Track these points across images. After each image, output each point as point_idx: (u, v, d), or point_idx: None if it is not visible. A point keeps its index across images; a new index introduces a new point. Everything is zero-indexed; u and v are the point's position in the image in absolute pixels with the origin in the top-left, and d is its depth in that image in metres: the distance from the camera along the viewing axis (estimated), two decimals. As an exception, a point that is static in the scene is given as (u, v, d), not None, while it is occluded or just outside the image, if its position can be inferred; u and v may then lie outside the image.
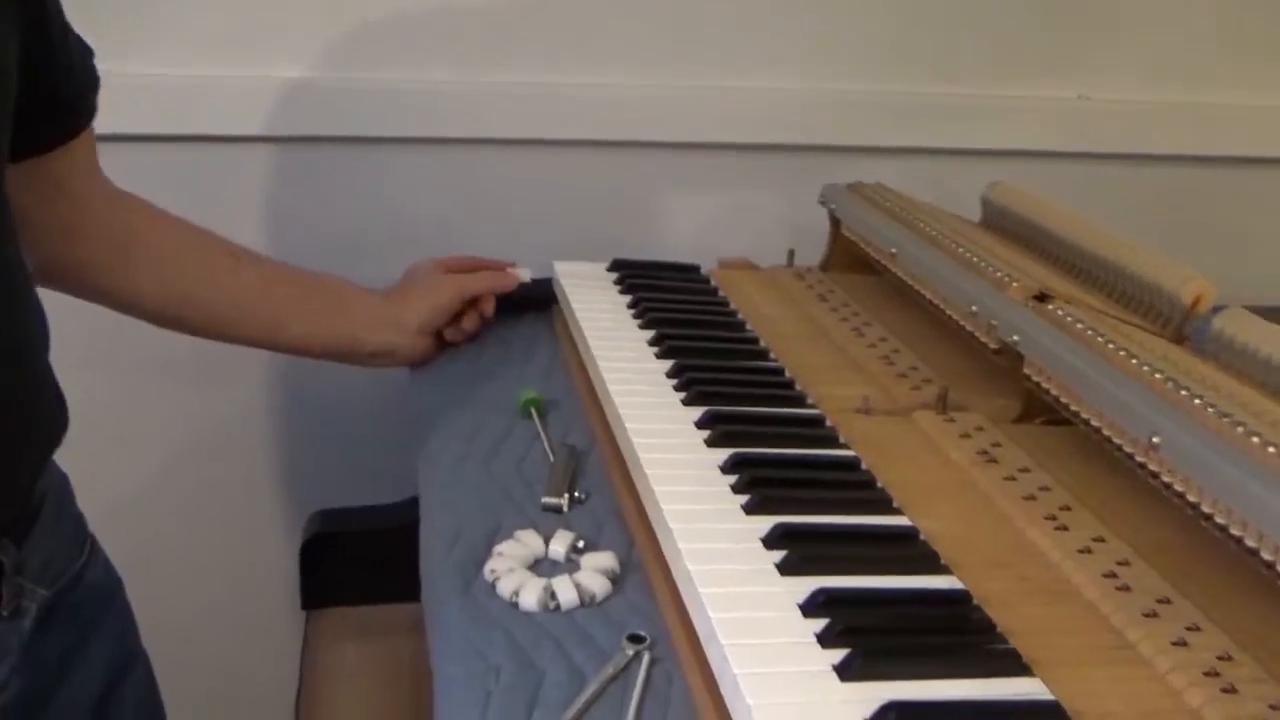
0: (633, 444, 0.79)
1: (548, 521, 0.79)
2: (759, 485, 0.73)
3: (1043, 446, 0.83)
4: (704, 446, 0.79)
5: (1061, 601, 0.66)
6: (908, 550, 0.68)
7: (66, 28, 0.79)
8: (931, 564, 0.67)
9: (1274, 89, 1.44)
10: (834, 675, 0.56)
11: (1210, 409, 0.68)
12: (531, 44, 1.27)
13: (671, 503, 0.72)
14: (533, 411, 0.93)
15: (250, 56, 1.22)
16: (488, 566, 0.73)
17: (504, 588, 0.71)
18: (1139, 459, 0.72)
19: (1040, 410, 0.87)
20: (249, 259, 0.98)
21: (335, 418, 1.35)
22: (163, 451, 1.34)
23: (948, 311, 0.96)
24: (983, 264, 0.93)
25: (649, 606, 0.70)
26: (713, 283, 1.14)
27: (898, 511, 0.73)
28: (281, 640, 1.39)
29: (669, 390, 0.88)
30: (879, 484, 0.76)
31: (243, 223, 1.27)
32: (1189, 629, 0.62)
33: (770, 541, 0.68)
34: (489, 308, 1.08)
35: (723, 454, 0.78)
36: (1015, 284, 0.89)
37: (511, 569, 0.72)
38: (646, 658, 0.65)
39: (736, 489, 0.74)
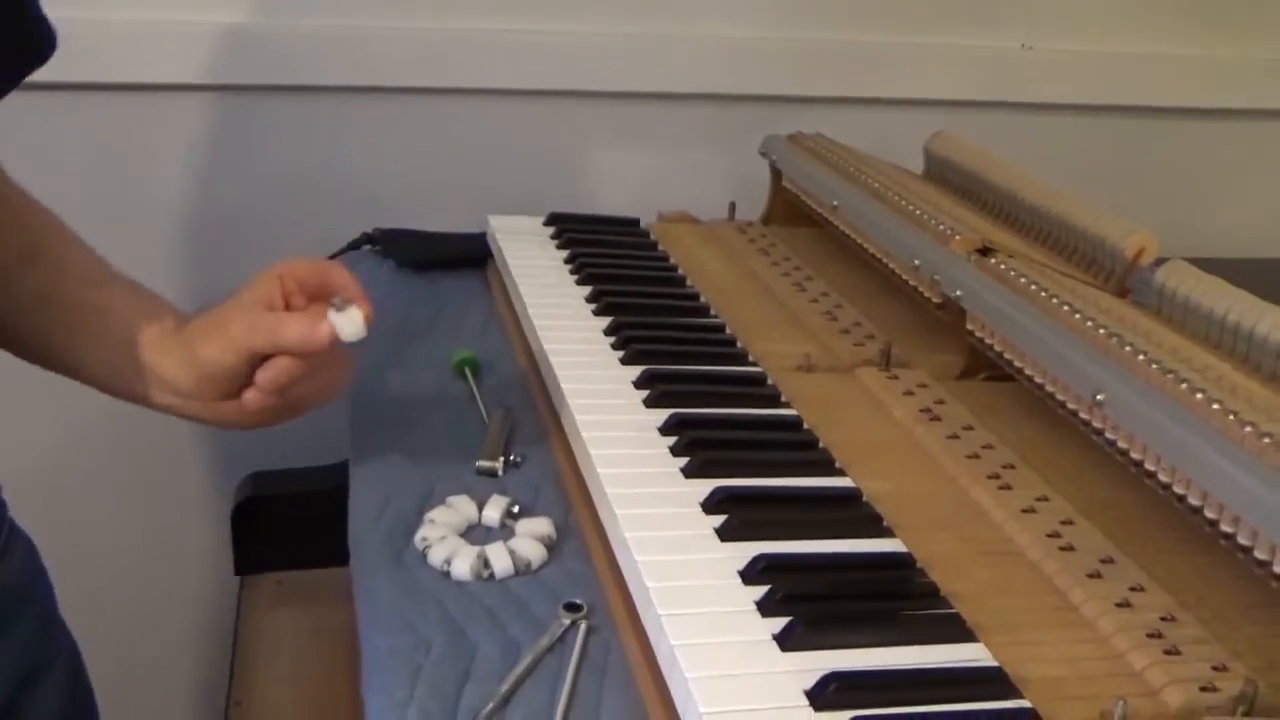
0: (568, 404, 0.77)
1: (482, 486, 0.76)
2: (698, 447, 0.71)
3: (986, 404, 0.82)
4: (642, 407, 0.77)
5: (1005, 563, 0.65)
6: (850, 513, 0.67)
7: None
8: (874, 527, 0.65)
9: (1221, 39, 1.44)
10: (774, 645, 0.55)
11: (1154, 365, 0.67)
12: (465, -11, 1.23)
13: (608, 466, 0.69)
14: (466, 371, 0.90)
15: (185, 1, 1.17)
16: (419, 534, 0.70)
17: (435, 556, 0.68)
18: (1083, 416, 0.71)
19: (984, 366, 0.86)
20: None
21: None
22: (86, 413, 1.30)
23: (890, 266, 0.94)
24: (925, 217, 0.92)
25: (587, 574, 0.67)
26: (652, 236, 1.12)
27: (840, 472, 0.71)
28: (214, 608, 1.36)
29: (606, 349, 0.86)
30: (821, 444, 0.74)
31: (169, 174, 1.22)
32: (1132, 589, 0.61)
33: (710, 506, 0.66)
34: (286, 374, 0.69)
35: (662, 415, 0.75)
36: (958, 237, 0.88)
37: (443, 536, 0.70)
38: (583, 627, 0.63)
39: (676, 451, 0.72)
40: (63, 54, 0.71)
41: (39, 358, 0.74)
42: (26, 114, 0.83)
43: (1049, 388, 0.75)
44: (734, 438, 0.73)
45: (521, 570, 0.68)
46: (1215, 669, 0.55)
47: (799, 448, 0.74)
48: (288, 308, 0.73)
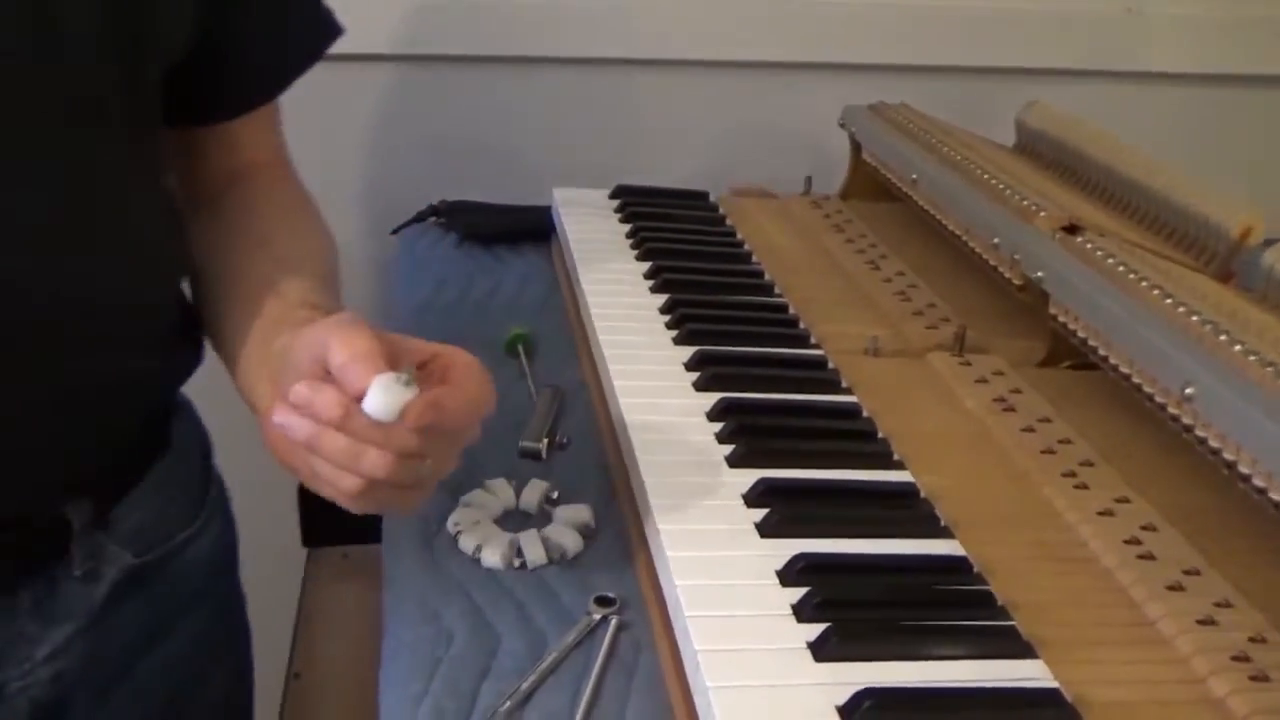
0: (613, 385, 0.73)
1: (525, 468, 0.73)
2: (745, 434, 0.67)
3: (1067, 394, 0.75)
4: (691, 390, 0.73)
5: (1076, 570, 0.59)
6: (904, 510, 0.62)
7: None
8: (929, 526, 0.60)
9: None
10: (808, 654, 0.50)
11: (1252, 356, 0.60)
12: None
13: (649, 453, 0.66)
14: (519, 349, 0.87)
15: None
16: (451, 518, 0.67)
17: (466, 543, 0.65)
18: (1171, 411, 0.65)
19: (1066, 354, 0.80)
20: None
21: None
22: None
23: (970, 244, 0.88)
24: (1008, 192, 0.85)
25: (624, 566, 0.64)
26: (721, 211, 1.07)
27: (898, 465, 0.66)
28: (281, 579, 1.36)
29: (660, 328, 0.82)
30: (880, 434, 0.69)
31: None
32: (1218, 605, 0.55)
33: (752, 498, 0.61)
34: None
35: (711, 399, 0.71)
36: (1043, 214, 0.81)
37: (476, 522, 0.67)
38: (614, 622, 0.59)
39: (722, 438, 0.67)
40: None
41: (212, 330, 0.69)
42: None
43: (1135, 379, 0.69)
44: (785, 425, 0.69)
45: (555, 559, 0.64)
46: (1308, 700, 0.49)
47: (855, 437, 0.69)
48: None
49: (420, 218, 1.15)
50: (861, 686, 0.48)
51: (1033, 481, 0.66)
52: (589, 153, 1.25)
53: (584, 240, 0.97)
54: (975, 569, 0.57)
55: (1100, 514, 0.63)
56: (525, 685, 0.55)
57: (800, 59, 1.25)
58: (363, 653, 1.02)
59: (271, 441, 0.57)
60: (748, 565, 0.56)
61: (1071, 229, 0.80)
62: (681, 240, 0.98)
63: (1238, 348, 0.61)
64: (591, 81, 1.24)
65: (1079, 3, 1.28)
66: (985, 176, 0.89)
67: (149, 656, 0.70)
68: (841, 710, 0.47)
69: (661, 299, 0.86)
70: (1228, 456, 0.60)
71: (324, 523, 1.11)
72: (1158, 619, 0.55)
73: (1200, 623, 0.54)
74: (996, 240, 0.83)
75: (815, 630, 0.51)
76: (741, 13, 1.23)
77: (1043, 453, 0.68)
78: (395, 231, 1.13)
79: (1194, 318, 0.65)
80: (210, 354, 0.71)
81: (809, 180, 1.14)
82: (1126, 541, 0.60)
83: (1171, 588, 0.57)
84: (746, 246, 0.98)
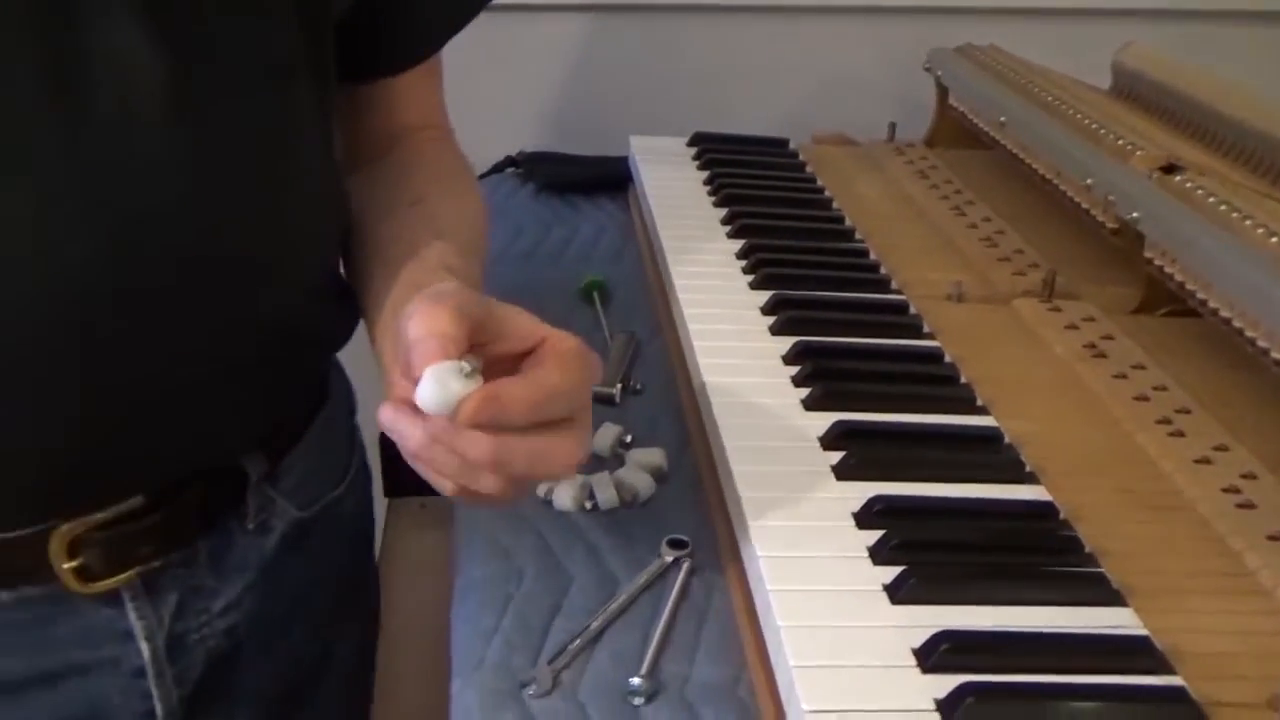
0: (688, 328, 0.72)
1: (598, 412, 0.72)
2: (822, 377, 0.65)
3: (1162, 342, 0.72)
4: (768, 334, 0.71)
5: (1169, 518, 0.56)
6: (988, 455, 0.60)
7: None
8: (1014, 471, 0.58)
9: None
10: (884, 596, 0.49)
11: (1366, 296, 0.57)
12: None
13: (723, 395, 0.64)
14: (594, 295, 0.86)
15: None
16: (523, 460, 0.67)
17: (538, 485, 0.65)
18: (1275, 355, 0.61)
19: (1163, 300, 0.76)
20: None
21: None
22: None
23: (1060, 187, 0.85)
24: (1102, 131, 0.82)
25: (697, 510, 0.63)
26: (801, 158, 1.04)
27: (981, 410, 0.64)
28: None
29: (737, 272, 0.80)
30: (963, 379, 0.67)
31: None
32: (1322, 556, 0.52)
33: (828, 441, 0.60)
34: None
35: (787, 342, 0.69)
36: (1140, 153, 0.77)
37: (548, 464, 0.66)
38: (686, 565, 0.58)
39: (798, 381, 0.66)
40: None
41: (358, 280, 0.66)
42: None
43: (1238, 323, 0.65)
44: (863, 369, 0.67)
45: (628, 502, 0.64)
46: None
47: (936, 382, 0.66)
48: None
49: (498, 168, 1.14)
50: (938, 629, 0.46)
51: (1124, 429, 0.64)
52: (669, 103, 1.23)
53: (661, 186, 0.96)
54: (1062, 515, 0.55)
55: (1197, 462, 0.60)
56: (596, 624, 0.55)
57: (885, 3, 1.21)
58: (440, 599, 1.02)
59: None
60: (823, 508, 0.55)
61: (1170, 169, 0.76)
62: (760, 186, 0.96)
63: (1350, 287, 0.58)
64: (673, 29, 1.22)
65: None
66: (1078, 116, 0.86)
67: (307, 611, 0.70)
68: (917, 653, 0.46)
69: (738, 244, 0.84)
70: (1337, 402, 0.57)
71: (404, 474, 1.12)
72: (1257, 569, 0.52)
73: (1303, 573, 0.51)
74: (1089, 181, 0.79)
75: (891, 573, 0.50)
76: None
77: (1135, 399, 0.66)
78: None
79: (1302, 257, 0.62)
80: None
81: (893, 127, 1.10)
82: (1224, 490, 0.57)
83: (1273, 537, 0.54)
84: (827, 193, 0.96)
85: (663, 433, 0.70)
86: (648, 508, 0.64)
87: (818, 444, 0.60)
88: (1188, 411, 0.64)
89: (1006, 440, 0.61)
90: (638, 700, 0.50)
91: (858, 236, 0.87)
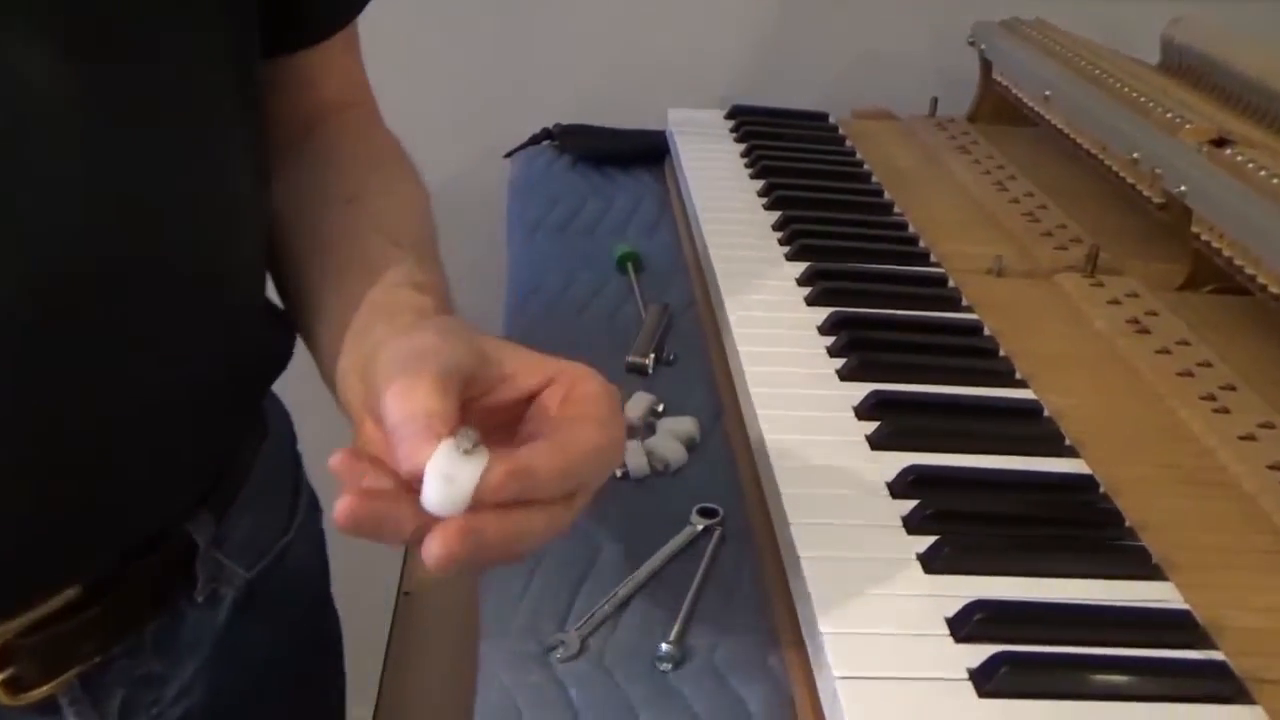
0: (723, 299, 0.71)
1: (631, 382, 0.72)
2: (858, 348, 0.64)
3: (1206, 318, 0.71)
4: (803, 305, 0.71)
5: (1212, 494, 0.55)
6: (1027, 428, 0.59)
7: None
8: (1053, 445, 0.57)
9: None
10: (918, 565, 0.48)
11: None
12: None
13: (757, 364, 0.63)
14: (629, 266, 0.86)
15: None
16: (554, 428, 0.66)
17: (568, 451, 0.64)
18: (1326, 332, 0.60)
19: (1210, 276, 0.74)
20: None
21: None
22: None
23: (1106, 161, 0.83)
24: (1150, 104, 0.80)
25: (729, 480, 0.62)
26: (841, 132, 1.03)
27: (1020, 384, 0.63)
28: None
29: (773, 244, 0.79)
30: (1002, 352, 0.66)
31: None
32: (1371, 535, 0.51)
33: (864, 411, 0.59)
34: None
35: (823, 313, 0.69)
36: (1189, 126, 0.76)
37: (579, 432, 0.65)
38: (717, 534, 0.58)
39: (833, 352, 0.65)
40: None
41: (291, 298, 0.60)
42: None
43: (1286, 299, 0.64)
44: (899, 340, 0.66)
45: (659, 470, 0.63)
46: None
47: (975, 354, 0.65)
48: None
49: (535, 140, 1.13)
50: (972, 599, 0.45)
51: (1168, 404, 0.62)
52: (707, 77, 1.21)
53: (697, 158, 0.95)
54: (1101, 488, 0.54)
55: (1242, 438, 0.58)
56: (623, 591, 0.54)
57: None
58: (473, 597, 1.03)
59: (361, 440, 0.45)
60: (856, 476, 0.54)
61: (1220, 142, 0.74)
62: (798, 159, 0.95)
63: (1406, 261, 0.56)
64: (713, 1, 1.20)
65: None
66: (1125, 90, 0.84)
67: (268, 679, 0.63)
68: (951, 622, 0.45)
69: (775, 215, 0.83)
70: (1388, 379, 0.55)
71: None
72: (1303, 547, 0.51)
73: (1351, 552, 0.50)
74: (1136, 155, 0.78)
75: (925, 542, 0.49)
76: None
77: (1179, 375, 0.64)
78: (509, 155, 1.13)
79: (1356, 231, 0.60)
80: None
81: (934, 101, 1.09)
82: (1270, 467, 0.56)
83: (1319, 515, 0.53)
84: (866, 167, 0.95)
85: (695, 402, 0.70)
86: (679, 476, 0.63)
87: (852, 414, 0.59)
88: (1233, 388, 0.63)
89: (1046, 413, 0.60)
90: (665, 666, 0.50)
91: (897, 210, 0.86)
